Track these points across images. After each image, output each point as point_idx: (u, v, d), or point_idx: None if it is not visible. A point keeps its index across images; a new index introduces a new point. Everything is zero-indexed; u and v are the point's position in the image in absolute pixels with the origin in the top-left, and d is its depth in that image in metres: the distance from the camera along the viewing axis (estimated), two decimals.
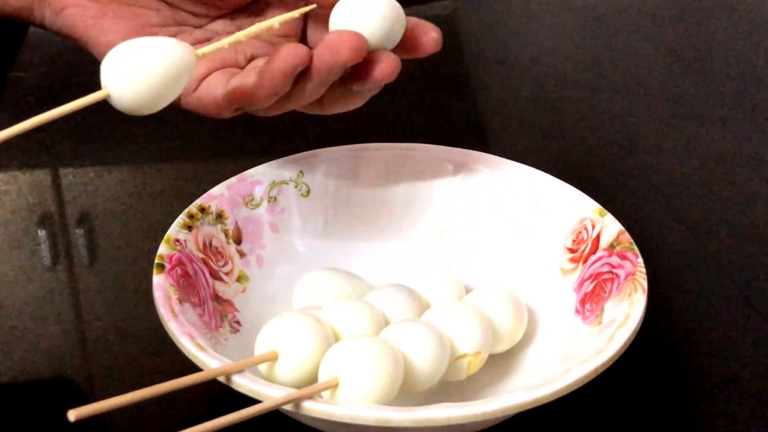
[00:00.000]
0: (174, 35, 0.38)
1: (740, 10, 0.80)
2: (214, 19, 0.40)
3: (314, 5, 0.36)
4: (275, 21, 0.35)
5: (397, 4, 0.36)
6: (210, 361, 0.32)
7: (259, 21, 0.39)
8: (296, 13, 0.36)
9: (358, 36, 0.34)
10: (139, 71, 0.31)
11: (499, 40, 0.75)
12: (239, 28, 0.39)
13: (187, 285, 0.37)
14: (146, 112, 0.32)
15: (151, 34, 0.37)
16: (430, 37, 0.37)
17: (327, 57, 0.34)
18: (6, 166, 0.56)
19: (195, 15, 0.39)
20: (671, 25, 0.78)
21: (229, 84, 0.36)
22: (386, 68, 0.35)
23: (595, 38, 0.76)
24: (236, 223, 0.41)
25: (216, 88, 0.36)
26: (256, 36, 0.35)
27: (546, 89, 0.67)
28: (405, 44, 0.36)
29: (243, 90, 0.36)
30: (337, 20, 0.35)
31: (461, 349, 0.35)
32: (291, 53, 0.34)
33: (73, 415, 0.27)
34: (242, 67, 0.38)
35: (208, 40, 0.39)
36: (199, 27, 0.39)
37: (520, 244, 0.42)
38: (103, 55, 0.37)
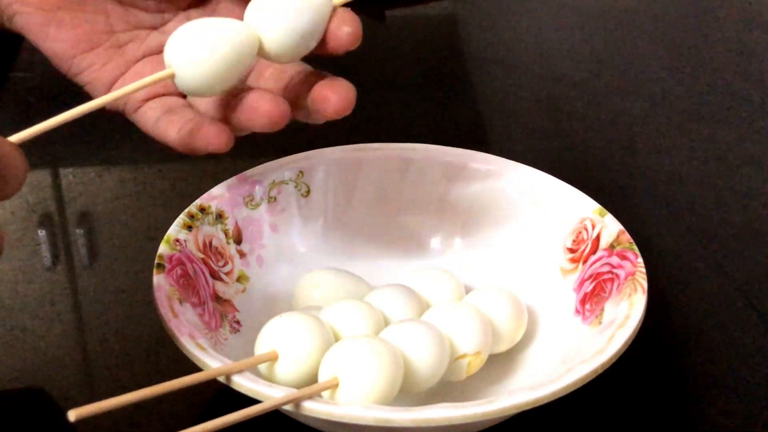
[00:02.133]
0: (125, 43, 0.38)
1: (740, 10, 0.80)
2: (171, 14, 0.39)
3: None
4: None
5: None
6: (210, 361, 0.32)
7: (213, 16, 0.39)
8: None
9: (277, 102, 0.34)
10: (204, 52, 0.32)
11: (499, 40, 0.75)
12: None
13: (187, 285, 0.37)
14: (209, 93, 0.33)
15: (99, 41, 0.37)
16: (343, 32, 0.35)
17: (245, 124, 0.35)
18: None
19: (147, 11, 0.39)
20: (671, 25, 0.78)
21: (179, 132, 0.36)
22: (337, 104, 0.35)
23: (595, 38, 0.76)
24: (236, 223, 0.41)
25: (166, 130, 0.36)
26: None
27: (546, 89, 0.67)
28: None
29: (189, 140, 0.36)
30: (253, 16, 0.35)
31: (461, 349, 0.35)
32: (212, 139, 0.35)
33: (73, 415, 0.27)
34: None
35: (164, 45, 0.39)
36: (155, 28, 0.39)
37: (520, 244, 0.42)
38: (52, 62, 0.37)
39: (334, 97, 0.34)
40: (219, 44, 0.32)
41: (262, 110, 0.34)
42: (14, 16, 0.37)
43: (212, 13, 0.39)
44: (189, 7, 0.39)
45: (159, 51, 0.38)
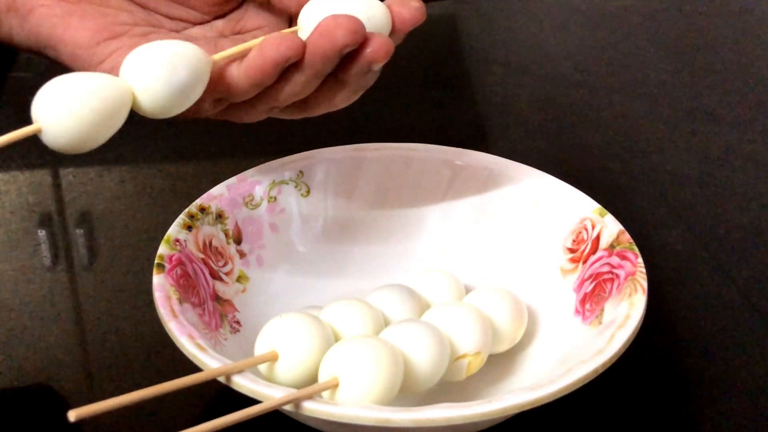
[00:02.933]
0: (147, 35, 0.37)
1: (740, 10, 0.80)
2: (192, 24, 0.38)
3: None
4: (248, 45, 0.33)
5: None
6: (210, 361, 0.32)
7: (239, 29, 0.38)
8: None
9: (353, 19, 0.32)
10: (72, 107, 0.31)
11: (499, 40, 0.75)
12: (219, 34, 0.38)
13: (187, 285, 0.37)
14: (79, 150, 0.32)
15: (122, 31, 0.36)
16: (411, 7, 0.35)
17: (323, 43, 0.32)
18: (6, 166, 0.56)
19: (171, 18, 0.38)
20: (671, 25, 0.78)
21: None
22: (378, 49, 0.33)
23: (595, 38, 0.76)
24: (236, 223, 0.41)
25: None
26: None
27: (546, 89, 0.67)
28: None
29: (224, 78, 0.34)
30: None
31: (461, 349, 0.35)
32: (284, 43, 0.32)
33: (73, 415, 0.27)
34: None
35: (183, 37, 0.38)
36: (176, 31, 0.38)
37: (520, 244, 0.42)
38: (70, 54, 0.36)
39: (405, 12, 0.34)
40: (88, 99, 0.31)
41: (341, 21, 0.32)
42: (33, 11, 0.36)
43: (236, 25, 0.38)
44: (215, 18, 0.39)
45: None
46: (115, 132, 0.32)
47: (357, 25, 0.32)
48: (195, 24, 0.39)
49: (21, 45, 0.37)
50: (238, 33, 0.38)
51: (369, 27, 0.33)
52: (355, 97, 0.36)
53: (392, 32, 0.35)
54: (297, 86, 0.34)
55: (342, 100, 0.36)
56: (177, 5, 0.38)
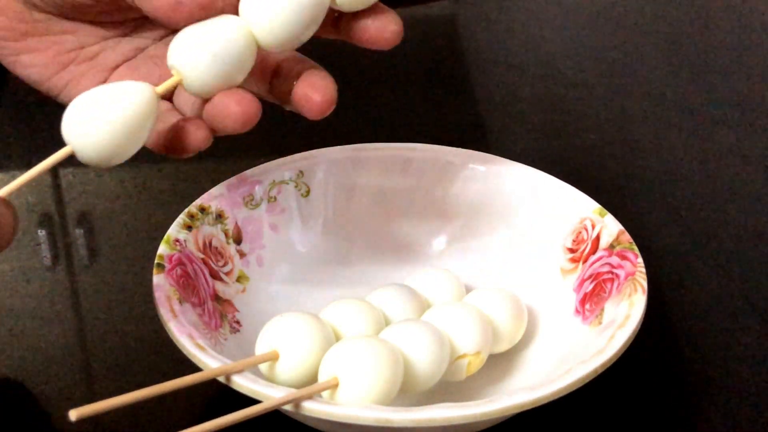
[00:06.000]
0: (97, 54, 0.38)
1: (740, 9, 0.80)
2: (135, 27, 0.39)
3: None
4: None
5: None
6: (210, 361, 0.32)
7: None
8: None
9: (245, 102, 0.33)
10: (101, 122, 0.31)
11: (499, 40, 0.75)
12: (166, 32, 0.38)
13: (187, 285, 0.37)
14: (115, 162, 0.32)
15: (69, 59, 0.37)
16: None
17: (217, 126, 0.34)
18: (6, 166, 0.56)
19: (113, 25, 0.38)
20: (671, 25, 0.78)
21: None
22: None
23: (595, 38, 0.76)
24: (236, 223, 0.41)
25: None
26: None
27: (546, 89, 0.67)
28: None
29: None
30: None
31: (461, 349, 0.35)
32: (199, 139, 0.34)
33: (74, 415, 0.27)
34: None
35: (140, 49, 0.38)
36: (125, 35, 0.38)
37: (520, 244, 0.42)
38: (34, 86, 0.37)
39: (317, 96, 0.34)
40: (115, 114, 0.31)
41: (231, 111, 0.33)
42: None
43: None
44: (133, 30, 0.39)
45: (134, 56, 0.38)
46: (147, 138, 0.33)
47: (251, 114, 0.33)
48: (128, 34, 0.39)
49: None
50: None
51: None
52: None
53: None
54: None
55: None
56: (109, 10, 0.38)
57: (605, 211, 0.40)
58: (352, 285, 0.42)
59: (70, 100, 0.34)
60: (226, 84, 0.33)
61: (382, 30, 0.34)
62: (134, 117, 0.31)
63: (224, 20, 0.33)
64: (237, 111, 0.33)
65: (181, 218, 0.39)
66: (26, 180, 0.31)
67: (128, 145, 0.32)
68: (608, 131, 0.61)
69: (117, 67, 0.38)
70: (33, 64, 0.37)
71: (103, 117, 0.31)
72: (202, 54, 0.32)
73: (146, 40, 0.39)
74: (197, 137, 0.34)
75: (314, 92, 0.34)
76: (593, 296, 0.38)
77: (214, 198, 0.41)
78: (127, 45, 0.38)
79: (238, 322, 0.39)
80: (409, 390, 0.34)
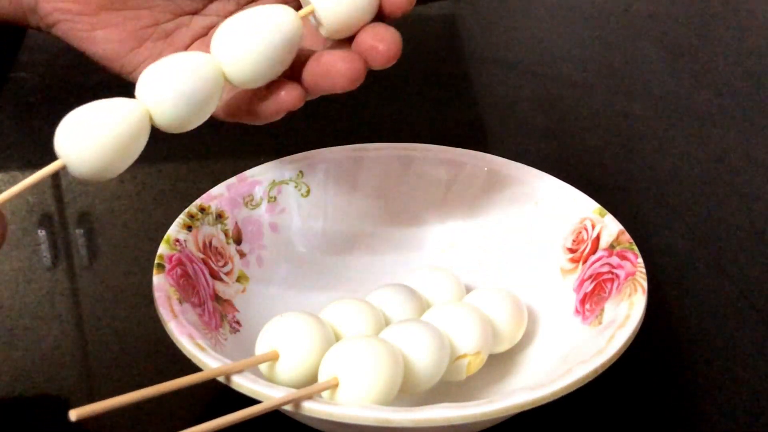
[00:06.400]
0: (172, 32, 0.37)
1: (740, 10, 0.80)
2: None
3: None
4: None
5: None
6: (210, 361, 0.32)
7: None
8: None
9: (353, 62, 0.33)
10: (91, 141, 0.31)
11: (499, 40, 0.75)
12: (238, 5, 0.38)
13: (187, 285, 0.37)
14: (110, 175, 0.32)
15: (146, 36, 0.36)
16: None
17: (323, 86, 0.34)
18: (6, 166, 0.56)
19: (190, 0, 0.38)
20: (671, 25, 0.78)
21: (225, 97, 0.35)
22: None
23: (595, 38, 0.76)
24: (236, 223, 0.41)
25: None
26: None
27: (546, 89, 0.67)
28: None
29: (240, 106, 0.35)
30: None
31: (461, 349, 0.35)
32: (288, 99, 0.34)
33: (74, 415, 0.27)
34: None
35: (212, 26, 0.38)
36: (197, 13, 0.38)
37: (520, 244, 0.42)
38: (102, 64, 0.37)
39: (382, 46, 0.34)
40: (107, 131, 0.31)
41: (340, 69, 0.33)
42: (56, 25, 0.36)
43: None
44: None
45: (205, 34, 0.38)
46: (138, 154, 0.33)
47: (359, 71, 0.33)
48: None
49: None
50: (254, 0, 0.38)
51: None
52: None
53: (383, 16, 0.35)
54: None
55: None
56: None
57: (605, 211, 0.40)
58: (352, 285, 0.42)
59: None
60: (192, 121, 0.33)
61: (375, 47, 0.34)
62: (125, 133, 0.32)
63: (194, 56, 0.33)
64: (346, 68, 0.33)
65: (181, 218, 0.39)
66: (16, 192, 0.31)
67: (120, 160, 0.32)
68: (608, 131, 0.61)
69: (190, 44, 0.38)
70: (108, 39, 0.36)
71: (94, 133, 0.31)
72: (168, 91, 0.32)
73: (217, 18, 0.38)
74: (292, 96, 0.34)
75: (379, 42, 0.34)
76: (593, 296, 0.38)
77: (214, 198, 0.41)
78: (200, 22, 0.38)
79: (238, 323, 0.39)
80: (409, 390, 0.34)
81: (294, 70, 0.35)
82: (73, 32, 0.36)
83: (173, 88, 0.32)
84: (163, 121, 0.33)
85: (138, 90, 0.33)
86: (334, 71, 0.33)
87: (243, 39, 0.33)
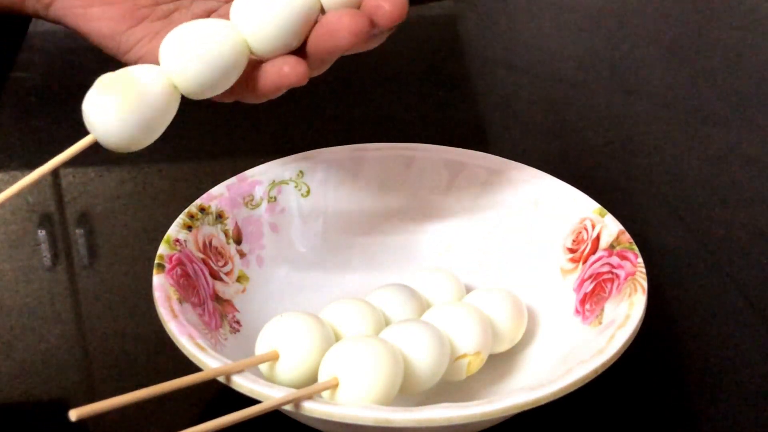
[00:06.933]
0: (171, 12, 0.37)
1: (740, 10, 0.80)
2: None
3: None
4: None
5: None
6: (210, 361, 0.32)
7: None
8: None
9: (358, 17, 0.32)
10: (123, 114, 0.31)
11: (499, 40, 0.75)
12: None
13: (187, 285, 0.37)
14: (135, 148, 0.32)
15: (144, 15, 0.36)
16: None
17: (326, 45, 0.33)
18: (6, 166, 0.56)
19: None
20: (671, 24, 0.78)
21: None
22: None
23: (595, 38, 0.76)
24: (236, 223, 0.41)
25: None
26: None
27: (546, 89, 0.67)
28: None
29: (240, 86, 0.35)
30: None
31: (461, 349, 0.35)
32: (289, 72, 0.33)
33: (74, 415, 0.27)
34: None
35: (212, 10, 0.38)
36: None
37: (520, 244, 0.42)
38: (97, 44, 0.36)
39: (387, 5, 0.33)
40: (138, 102, 0.32)
41: (344, 24, 0.32)
42: (52, 4, 0.36)
43: None
44: None
45: (206, 16, 0.37)
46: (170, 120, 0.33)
47: (363, 26, 0.32)
48: None
49: (49, 21, 0.38)
50: None
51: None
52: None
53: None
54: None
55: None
56: None
57: (605, 211, 0.40)
58: (352, 285, 0.42)
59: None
60: (215, 88, 0.33)
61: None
62: (155, 102, 0.32)
63: (216, 24, 0.33)
64: (348, 22, 0.32)
65: (181, 218, 0.39)
66: (47, 170, 0.31)
67: (151, 129, 0.33)
68: (608, 131, 0.61)
69: None
70: (105, 16, 0.36)
71: (122, 104, 0.31)
72: (191, 57, 0.32)
73: (216, 1, 0.38)
74: (297, 71, 0.33)
75: (385, 1, 0.33)
76: (593, 296, 0.38)
77: (214, 198, 0.41)
78: (200, 5, 0.37)
79: (238, 322, 0.39)
80: (409, 390, 0.34)
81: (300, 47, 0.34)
82: (70, 9, 0.36)
83: (197, 53, 0.32)
84: (188, 86, 0.33)
85: (161, 55, 0.33)
86: (338, 26, 0.32)
87: (265, 6, 0.33)
